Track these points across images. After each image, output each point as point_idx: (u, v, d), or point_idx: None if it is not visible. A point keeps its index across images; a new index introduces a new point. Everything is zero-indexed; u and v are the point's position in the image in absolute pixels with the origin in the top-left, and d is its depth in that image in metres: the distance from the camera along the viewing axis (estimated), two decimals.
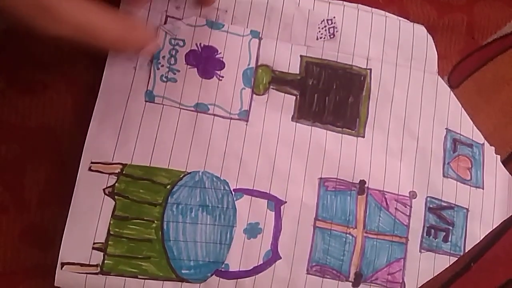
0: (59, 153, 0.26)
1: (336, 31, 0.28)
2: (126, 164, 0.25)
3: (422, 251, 0.28)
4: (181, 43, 0.26)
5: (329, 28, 0.28)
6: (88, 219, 0.24)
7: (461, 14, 0.31)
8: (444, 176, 0.28)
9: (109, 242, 0.24)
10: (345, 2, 0.29)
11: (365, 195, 0.27)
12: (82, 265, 0.24)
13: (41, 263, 0.25)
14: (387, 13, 0.29)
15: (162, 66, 0.26)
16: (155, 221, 0.25)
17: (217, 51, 0.27)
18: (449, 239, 0.28)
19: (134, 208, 0.25)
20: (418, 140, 0.28)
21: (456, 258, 0.28)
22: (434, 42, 0.29)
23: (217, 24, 0.27)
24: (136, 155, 0.25)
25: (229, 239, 0.25)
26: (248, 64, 0.27)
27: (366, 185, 0.27)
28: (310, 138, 0.27)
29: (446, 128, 0.29)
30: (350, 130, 0.28)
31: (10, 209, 0.25)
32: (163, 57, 0.26)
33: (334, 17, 0.28)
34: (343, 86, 0.28)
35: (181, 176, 0.25)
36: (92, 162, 0.24)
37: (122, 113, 0.25)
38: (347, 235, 0.27)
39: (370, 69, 0.29)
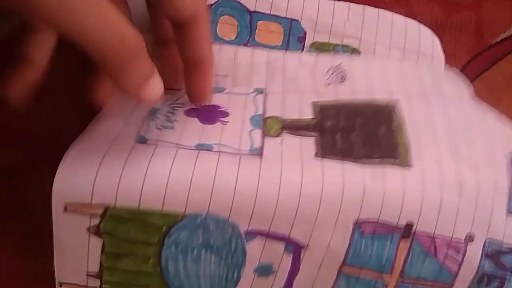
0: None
1: (346, 74, 0.24)
2: (108, 206, 0.20)
3: None
4: (180, 105, 0.23)
5: (338, 73, 0.24)
6: (76, 256, 0.21)
7: (469, 13, 0.29)
8: (508, 214, 0.22)
9: (104, 272, 0.21)
10: (352, 54, 0.26)
11: (409, 239, 0.21)
12: (80, 286, 0.21)
13: (45, 271, 0.22)
14: (405, 52, 0.26)
15: (158, 119, 0.22)
16: (152, 258, 0.21)
17: (220, 106, 0.23)
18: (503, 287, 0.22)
19: (126, 245, 0.20)
20: (478, 170, 0.22)
21: None
22: (442, 43, 0.27)
23: (218, 88, 0.24)
24: (120, 195, 0.20)
25: (236, 277, 0.21)
26: (256, 112, 0.23)
27: (413, 228, 0.21)
28: (343, 175, 0.21)
29: (508, 153, 0.23)
30: (392, 159, 0.22)
31: (14, 215, 0.24)
32: (160, 113, 0.22)
33: (340, 64, 0.25)
34: (368, 121, 0.23)
35: (178, 219, 0.20)
36: (66, 203, 0.20)
37: (105, 149, 0.20)
38: (377, 281, 0.22)
39: (397, 99, 0.23)
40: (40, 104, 0.24)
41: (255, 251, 0.21)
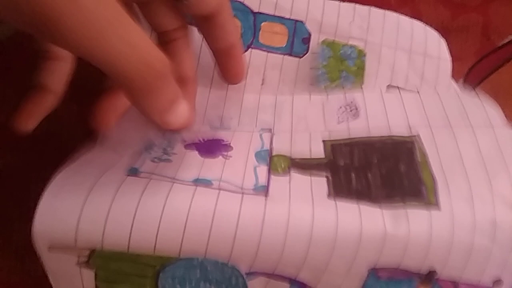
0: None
1: (360, 110, 0.22)
2: (94, 249, 0.18)
3: None
4: (180, 139, 0.21)
5: (350, 110, 0.22)
6: (71, 283, 0.19)
7: (475, 15, 0.29)
8: None
9: None
10: (364, 90, 0.24)
11: (430, 286, 0.19)
12: None
13: (46, 275, 0.21)
14: (422, 84, 0.25)
15: (155, 152, 0.20)
16: (148, 286, 0.19)
17: (223, 140, 0.21)
18: None
19: (120, 277, 0.18)
20: (510, 205, 0.19)
21: None
22: (448, 44, 0.26)
23: (223, 127, 0.23)
24: (107, 239, 0.18)
25: None
26: (262, 148, 0.21)
27: (436, 276, 0.19)
28: (360, 217, 0.19)
29: None
30: (416, 199, 0.19)
31: (15, 219, 0.23)
32: (157, 146, 0.20)
33: (352, 101, 0.23)
34: (386, 158, 0.20)
35: (172, 261, 0.18)
36: (49, 247, 0.18)
37: (91, 184, 0.18)
38: None
39: (417, 134, 0.21)
40: None
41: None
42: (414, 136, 0.21)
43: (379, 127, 0.22)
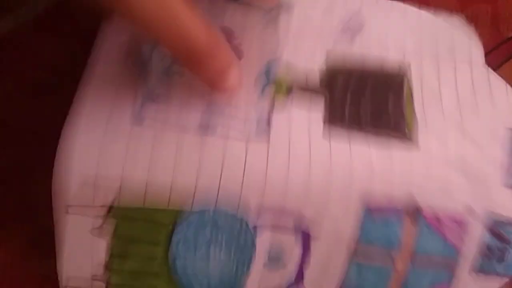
0: None
1: (364, 24, 0.24)
2: (111, 206, 0.19)
3: (473, 273, 0.23)
4: None
5: (355, 20, 0.24)
6: (80, 259, 0.20)
7: (485, 5, 0.29)
8: (505, 186, 0.23)
9: (110, 275, 0.20)
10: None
11: (414, 215, 0.22)
12: None
13: (50, 271, 0.21)
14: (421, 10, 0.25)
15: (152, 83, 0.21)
16: (159, 258, 0.20)
17: (233, 34, 0.22)
18: (505, 259, 0.23)
19: (132, 247, 0.20)
20: (477, 144, 0.23)
21: (508, 279, 0.23)
22: None
23: None
24: (123, 194, 0.19)
25: (246, 272, 0.20)
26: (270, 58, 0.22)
27: (417, 203, 0.22)
28: (350, 156, 0.21)
29: (509, 128, 0.23)
30: (398, 139, 0.22)
31: (18, 215, 0.24)
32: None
33: (360, 10, 0.24)
34: (378, 86, 0.23)
35: (185, 216, 0.20)
36: (68, 206, 0.19)
37: (101, 138, 0.20)
38: (388, 262, 0.22)
39: (408, 65, 0.23)
40: (41, 103, 0.24)
41: (264, 245, 0.21)
42: (405, 68, 0.24)
43: (377, 46, 0.24)
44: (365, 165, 0.21)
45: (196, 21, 0.17)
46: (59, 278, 0.20)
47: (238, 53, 0.22)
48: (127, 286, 0.20)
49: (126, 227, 0.20)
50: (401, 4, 0.25)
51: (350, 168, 0.21)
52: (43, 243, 0.24)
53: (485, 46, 0.28)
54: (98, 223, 0.20)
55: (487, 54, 0.28)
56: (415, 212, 0.22)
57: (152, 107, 0.20)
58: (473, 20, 0.28)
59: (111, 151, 0.19)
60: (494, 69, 0.28)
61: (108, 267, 0.20)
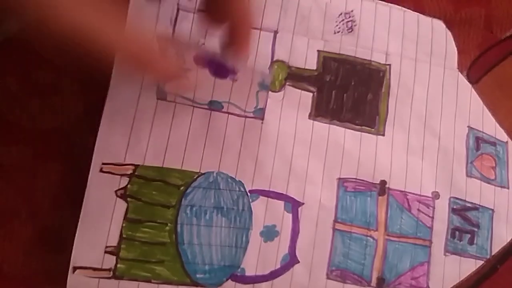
0: (71, 156, 0.25)
1: (355, 25, 0.27)
2: (138, 165, 0.24)
3: (447, 254, 0.26)
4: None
5: (347, 22, 0.27)
6: (100, 222, 0.23)
7: (478, 8, 0.29)
8: (467, 175, 0.27)
9: (122, 246, 0.23)
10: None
11: (386, 196, 0.26)
12: (94, 269, 0.22)
13: (54, 267, 0.24)
14: (404, 8, 0.28)
15: None
16: (169, 224, 0.24)
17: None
18: (475, 241, 0.26)
19: (147, 210, 0.23)
20: (440, 138, 0.27)
21: (482, 262, 0.26)
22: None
23: None
24: (148, 155, 0.24)
25: (245, 242, 0.24)
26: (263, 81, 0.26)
27: (387, 186, 0.26)
28: (328, 136, 0.26)
29: (468, 126, 0.27)
30: (369, 128, 0.26)
31: (22, 212, 0.24)
32: None
33: (352, 11, 0.27)
34: (361, 83, 0.27)
35: (195, 177, 0.24)
36: (103, 164, 0.23)
37: (133, 112, 0.24)
38: (368, 237, 0.25)
39: (390, 65, 0.27)
40: (47, 102, 0.25)
41: (259, 211, 0.24)
42: (387, 65, 0.27)
43: (364, 49, 0.27)
44: (338, 142, 0.26)
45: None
46: (72, 255, 0.22)
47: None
48: (135, 261, 0.23)
49: (145, 188, 0.24)
50: (387, 5, 0.28)
51: (326, 149, 0.26)
52: (46, 239, 0.24)
53: (478, 47, 0.30)
54: (123, 183, 0.23)
55: (480, 55, 0.30)
56: (384, 191, 0.26)
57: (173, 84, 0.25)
58: (467, 22, 0.30)
59: (142, 120, 0.24)
60: (488, 71, 0.30)
61: (122, 236, 0.23)
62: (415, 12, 0.28)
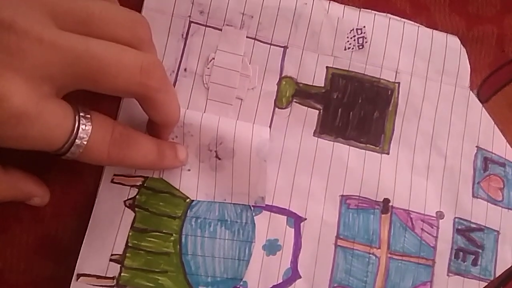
0: (75, 164, 0.24)
1: (366, 42, 0.27)
2: (147, 177, 0.24)
3: (450, 274, 0.26)
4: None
5: (358, 38, 0.27)
6: (108, 230, 0.24)
7: (491, 26, 0.29)
8: (473, 196, 0.27)
9: (127, 254, 0.23)
10: (375, 12, 0.27)
11: (389, 214, 0.26)
12: (98, 277, 0.23)
13: (55, 276, 0.24)
14: (418, 24, 0.28)
15: None
16: (174, 234, 0.24)
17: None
18: (479, 263, 0.26)
19: (154, 220, 0.24)
20: (446, 158, 0.27)
21: (486, 283, 0.26)
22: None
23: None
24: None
25: (247, 255, 0.24)
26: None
27: (390, 204, 0.26)
28: (332, 153, 0.26)
29: (477, 146, 0.27)
30: (374, 147, 0.26)
31: (24, 219, 0.24)
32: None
33: (364, 27, 0.27)
34: (369, 100, 0.27)
35: None
36: (114, 175, 0.24)
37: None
38: (370, 255, 0.25)
39: (399, 83, 0.27)
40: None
41: (262, 224, 0.25)
42: (396, 83, 0.28)
43: (374, 67, 0.27)
44: (342, 160, 0.26)
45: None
46: (77, 262, 0.23)
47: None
48: (139, 271, 0.24)
49: (152, 199, 0.24)
50: (400, 21, 0.28)
51: (330, 162, 0.26)
52: (46, 246, 0.24)
53: (489, 66, 0.30)
54: (133, 193, 0.24)
55: (491, 74, 0.30)
56: (387, 209, 0.26)
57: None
58: (479, 40, 0.30)
59: None
60: (499, 90, 0.30)
61: (128, 244, 0.24)
62: (429, 28, 0.28)
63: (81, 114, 0.19)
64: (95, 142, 0.20)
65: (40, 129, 0.18)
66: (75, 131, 0.19)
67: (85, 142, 0.19)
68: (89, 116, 0.20)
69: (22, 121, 0.17)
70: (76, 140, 0.19)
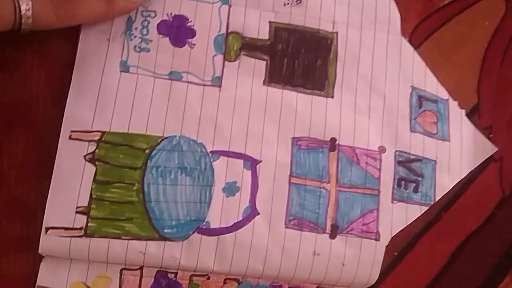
0: (35, 127, 0.26)
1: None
2: (105, 132, 0.25)
3: (394, 202, 0.29)
4: (152, 14, 0.27)
5: None
6: (71, 185, 0.25)
7: None
8: (411, 131, 0.30)
9: (92, 206, 0.25)
10: None
11: (336, 151, 0.28)
12: (66, 228, 0.24)
13: (23, 236, 0.25)
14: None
15: (135, 37, 0.27)
16: (136, 184, 0.25)
17: (188, 19, 0.28)
18: (419, 190, 0.29)
19: (115, 172, 0.25)
20: (385, 98, 0.29)
21: (427, 208, 0.29)
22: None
23: None
24: (114, 122, 0.26)
25: (208, 197, 0.26)
26: (219, 31, 0.28)
27: (337, 142, 0.28)
28: (281, 100, 0.28)
29: (411, 86, 0.30)
30: (319, 92, 0.29)
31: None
32: (136, 28, 0.27)
33: None
34: (311, 50, 0.29)
35: (158, 141, 0.26)
36: (72, 131, 0.25)
37: (99, 84, 0.26)
38: (321, 189, 0.28)
39: (337, 33, 0.29)
40: (9, 76, 0.26)
41: (220, 169, 0.27)
42: (334, 33, 0.30)
43: (313, 19, 0.30)
44: (291, 106, 0.28)
45: None
46: (44, 217, 0.24)
47: (191, 32, 0.28)
48: (105, 220, 0.25)
49: (112, 153, 0.26)
50: None
51: (280, 111, 0.28)
52: (15, 209, 0.25)
53: (418, 15, 0.33)
54: (91, 148, 0.25)
55: (420, 22, 0.33)
56: (335, 147, 0.29)
57: (135, 57, 0.27)
58: None
59: (106, 90, 0.26)
60: (428, 36, 0.33)
61: (92, 196, 0.25)
62: None
63: None
64: (39, 9, 0.23)
65: None
66: (17, 7, 0.22)
67: (29, 13, 0.22)
68: None
69: None
70: (22, 14, 0.22)
